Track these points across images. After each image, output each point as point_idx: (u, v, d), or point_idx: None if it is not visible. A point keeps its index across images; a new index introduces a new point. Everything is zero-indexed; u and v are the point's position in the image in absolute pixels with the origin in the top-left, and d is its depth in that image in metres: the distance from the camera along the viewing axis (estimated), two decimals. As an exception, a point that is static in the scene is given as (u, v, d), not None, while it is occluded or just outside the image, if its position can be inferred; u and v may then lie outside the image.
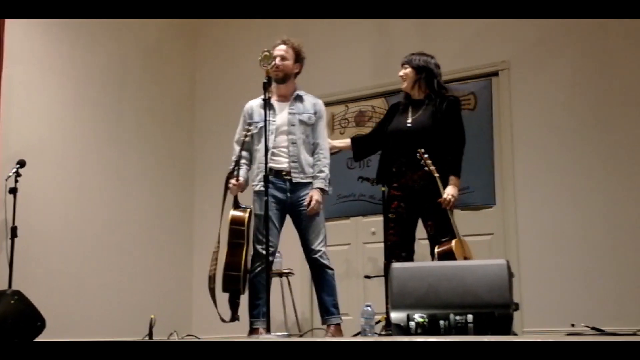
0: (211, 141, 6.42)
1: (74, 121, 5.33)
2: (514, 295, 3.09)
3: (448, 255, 3.75)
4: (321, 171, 4.02)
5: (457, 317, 2.93)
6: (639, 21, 4.69)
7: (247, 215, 3.92)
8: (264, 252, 3.79)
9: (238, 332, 4.55)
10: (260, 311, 3.94)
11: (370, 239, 5.46)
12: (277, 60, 4.00)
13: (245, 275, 3.91)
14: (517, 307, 3.05)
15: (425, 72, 4.04)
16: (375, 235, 5.33)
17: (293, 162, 3.98)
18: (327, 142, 4.14)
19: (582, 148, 4.88)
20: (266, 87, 3.82)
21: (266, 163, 3.75)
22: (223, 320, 3.80)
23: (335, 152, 4.40)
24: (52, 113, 5.17)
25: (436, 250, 3.82)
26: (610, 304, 4.56)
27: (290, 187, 3.98)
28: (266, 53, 3.84)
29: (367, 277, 5.13)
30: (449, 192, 3.82)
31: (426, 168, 3.80)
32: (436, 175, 3.80)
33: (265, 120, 3.78)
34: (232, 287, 3.89)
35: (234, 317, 3.91)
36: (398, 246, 3.95)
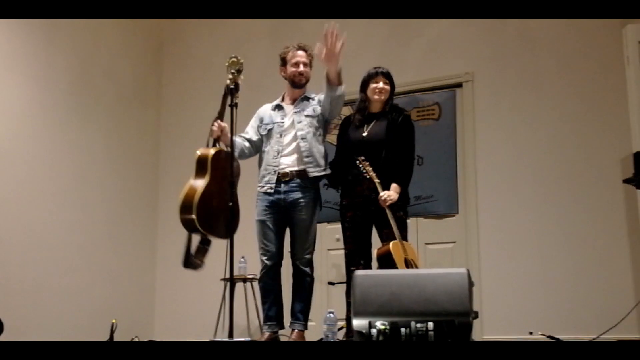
0: (176, 143, 6.39)
1: (35, 122, 5.25)
2: (474, 303, 3.14)
3: (386, 257, 3.76)
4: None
5: (418, 325, 2.96)
6: (601, 33, 4.84)
7: (211, 151, 3.73)
8: (263, 257, 4.00)
9: (199, 336, 4.54)
10: (266, 315, 4.03)
11: (334, 246, 5.48)
12: (302, 67, 4.09)
13: (199, 209, 3.62)
14: (476, 315, 3.10)
15: (393, 90, 4.11)
16: (339, 242, 5.34)
17: (306, 157, 4.00)
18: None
19: (543, 160, 4.99)
20: (233, 93, 3.81)
21: (231, 166, 3.77)
22: (184, 264, 3.63)
23: None
24: (13, 113, 5.09)
25: (375, 252, 3.84)
26: (567, 313, 4.67)
27: (286, 189, 3.99)
28: (233, 59, 3.83)
29: (330, 283, 5.17)
30: (387, 192, 3.84)
31: (366, 175, 3.84)
32: (376, 181, 3.83)
33: (231, 126, 3.77)
34: (187, 224, 3.68)
35: (191, 262, 3.69)
36: (357, 254, 3.98)
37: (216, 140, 3.84)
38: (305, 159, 4.00)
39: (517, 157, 5.08)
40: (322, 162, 4.05)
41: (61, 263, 5.30)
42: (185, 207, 3.68)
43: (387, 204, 3.83)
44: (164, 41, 6.62)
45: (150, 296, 6.15)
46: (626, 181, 4.37)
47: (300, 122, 4.06)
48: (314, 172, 4.00)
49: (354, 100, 5.29)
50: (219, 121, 3.86)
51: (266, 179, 4.06)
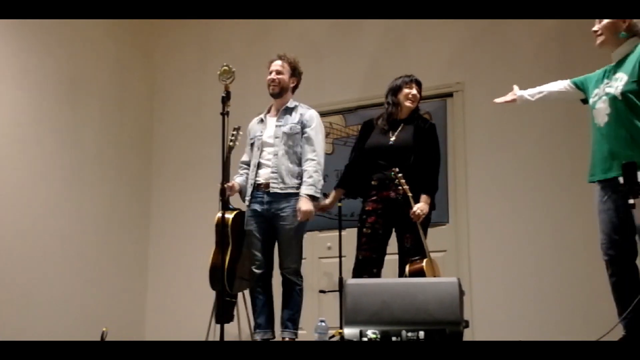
0: (169, 151, 6.39)
1: (25, 127, 5.23)
2: (464, 311, 3.16)
3: (419, 274, 3.80)
4: (310, 176, 3.97)
5: (409, 334, 2.98)
6: (591, 42, 4.86)
7: (230, 216, 3.98)
8: (252, 266, 4.02)
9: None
10: (256, 323, 4.04)
11: (325, 254, 5.49)
12: (273, 75, 4.12)
13: (230, 275, 3.97)
14: (467, 324, 3.12)
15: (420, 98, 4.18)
16: (330, 250, 5.37)
17: (273, 172, 4.01)
18: (320, 148, 4.06)
19: (534, 168, 5.01)
20: (224, 101, 3.83)
21: (223, 176, 3.80)
22: (217, 321, 3.81)
23: (329, 208, 4.36)
24: (3, 118, 5.07)
25: (407, 268, 3.86)
26: (559, 321, 4.68)
27: (268, 199, 4.00)
28: (225, 67, 3.86)
29: (322, 291, 5.17)
30: (419, 206, 3.88)
31: (400, 187, 3.86)
32: (409, 194, 3.86)
33: (223, 135, 3.79)
34: (217, 287, 3.96)
35: (227, 318, 3.88)
36: (371, 262, 3.96)
37: (226, 201, 3.93)
38: (272, 174, 4.02)
39: (507, 166, 5.10)
40: (288, 180, 4.02)
41: (52, 269, 5.27)
42: (215, 279, 3.96)
43: (420, 219, 3.87)
44: (156, 46, 6.61)
45: (142, 302, 6.12)
46: (615, 191, 4.39)
47: (277, 137, 4.08)
48: (275, 188, 3.99)
49: (348, 108, 5.32)
50: (228, 183, 3.96)
51: (248, 191, 4.11)
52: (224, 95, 3.83)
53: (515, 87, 3.80)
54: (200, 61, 6.28)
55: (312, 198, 3.97)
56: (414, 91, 4.11)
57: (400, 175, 3.86)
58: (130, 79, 6.32)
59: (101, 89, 5.96)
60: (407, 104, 4.10)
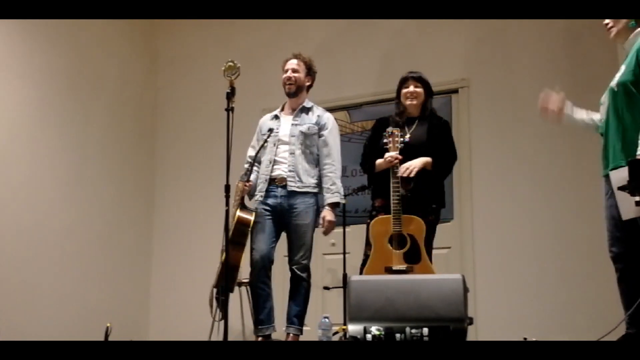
0: (172, 148, 6.39)
1: (31, 123, 5.24)
2: (468, 308, 3.15)
3: (367, 236, 3.87)
4: (333, 184, 4.06)
5: (413, 331, 2.98)
6: (598, 41, 4.85)
7: (252, 218, 4.04)
8: (252, 259, 4.03)
9: (194, 339, 4.52)
10: (257, 319, 4.05)
11: (329, 250, 5.49)
12: (289, 73, 4.16)
13: (238, 275, 4.04)
14: (471, 321, 3.12)
15: (430, 93, 4.17)
16: (334, 247, 5.36)
17: (290, 171, 4.06)
18: (337, 152, 4.15)
19: (538, 165, 5.00)
20: (229, 97, 3.83)
21: (228, 173, 3.79)
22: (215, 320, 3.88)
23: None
24: (9, 115, 5.08)
25: None
26: (562, 318, 4.67)
27: (284, 194, 4.03)
28: (230, 63, 3.85)
29: (325, 288, 5.16)
30: (409, 162, 3.88)
31: (391, 146, 3.89)
32: (399, 156, 3.88)
33: (227, 131, 3.78)
34: (229, 287, 3.97)
35: (223, 314, 3.84)
36: None
37: (242, 198, 4.06)
38: (289, 173, 4.06)
39: (512, 162, 5.09)
40: (305, 178, 4.07)
41: (56, 265, 5.28)
42: (232, 279, 3.96)
43: (405, 174, 3.82)
44: (161, 44, 6.62)
45: (145, 299, 6.13)
46: (621, 188, 4.36)
47: (293, 135, 4.11)
48: (292, 186, 4.04)
49: (353, 104, 5.31)
50: (249, 183, 4.10)
51: (259, 187, 4.12)
52: (228, 91, 3.83)
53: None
54: (204, 57, 6.28)
55: (335, 205, 4.06)
56: (411, 88, 4.09)
57: (395, 132, 3.90)
58: (134, 75, 6.32)
59: (105, 85, 5.97)
60: (407, 102, 4.10)
